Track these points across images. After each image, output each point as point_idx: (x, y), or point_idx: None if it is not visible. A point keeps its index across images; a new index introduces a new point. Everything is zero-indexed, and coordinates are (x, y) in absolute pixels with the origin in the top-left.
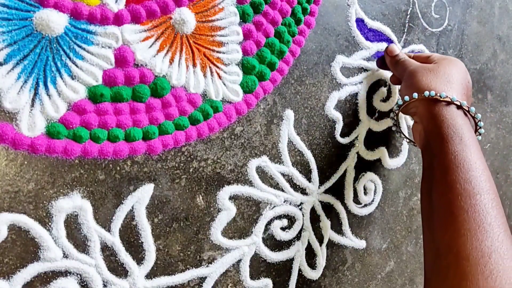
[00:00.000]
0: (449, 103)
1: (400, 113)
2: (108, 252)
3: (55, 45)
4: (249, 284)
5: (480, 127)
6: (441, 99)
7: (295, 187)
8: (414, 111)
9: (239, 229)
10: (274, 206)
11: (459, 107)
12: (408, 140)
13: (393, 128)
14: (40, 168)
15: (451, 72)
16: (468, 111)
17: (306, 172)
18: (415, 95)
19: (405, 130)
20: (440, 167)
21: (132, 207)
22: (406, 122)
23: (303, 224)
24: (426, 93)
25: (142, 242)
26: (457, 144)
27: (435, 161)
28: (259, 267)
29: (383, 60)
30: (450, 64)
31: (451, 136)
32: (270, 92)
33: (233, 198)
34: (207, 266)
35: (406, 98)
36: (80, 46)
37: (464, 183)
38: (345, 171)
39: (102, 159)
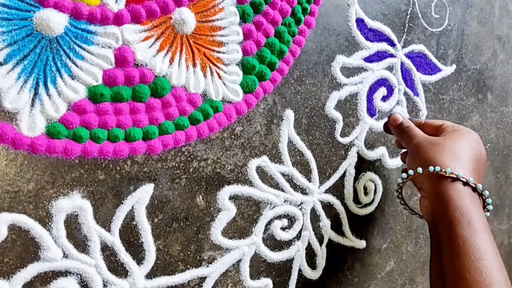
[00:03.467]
0: (455, 179)
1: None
2: (108, 252)
3: (55, 45)
4: (249, 284)
5: (488, 204)
6: (446, 175)
7: (295, 187)
8: (420, 186)
9: (239, 229)
10: (274, 206)
11: (466, 183)
12: (413, 213)
13: (397, 200)
14: (40, 168)
15: (459, 146)
16: (475, 189)
17: (306, 172)
18: (420, 169)
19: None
20: (449, 253)
21: (132, 207)
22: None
23: (303, 224)
24: (431, 168)
25: (142, 242)
26: (465, 229)
27: (444, 245)
28: (259, 267)
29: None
30: (459, 137)
31: (459, 220)
32: (270, 92)
33: (233, 198)
34: (207, 266)
35: (410, 172)
36: (80, 46)
37: (474, 273)
38: (345, 171)
39: (102, 159)
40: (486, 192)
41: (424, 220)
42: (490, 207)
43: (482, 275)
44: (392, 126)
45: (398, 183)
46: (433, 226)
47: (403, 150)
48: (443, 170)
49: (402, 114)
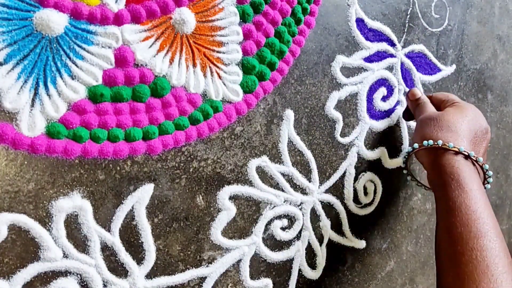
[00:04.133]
0: (447, 149)
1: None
2: (108, 252)
3: (55, 45)
4: (249, 284)
5: (489, 176)
6: (438, 146)
7: (295, 187)
8: (421, 161)
9: (239, 229)
10: (274, 206)
11: (458, 152)
12: (420, 184)
13: (408, 177)
14: (40, 168)
15: (454, 119)
16: (468, 156)
17: (306, 172)
18: (416, 145)
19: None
20: (441, 213)
21: (132, 207)
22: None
23: (303, 224)
24: (425, 142)
25: (142, 242)
26: (454, 190)
27: (438, 207)
28: (259, 267)
29: (408, 110)
30: (456, 112)
31: (449, 183)
32: (270, 92)
33: (233, 198)
34: (207, 266)
35: (409, 149)
36: (80, 46)
37: (462, 227)
38: (345, 171)
39: (102, 159)
40: (480, 159)
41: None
42: (491, 180)
43: (468, 228)
44: (410, 100)
45: (402, 160)
46: (434, 196)
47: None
48: (436, 143)
49: (420, 90)
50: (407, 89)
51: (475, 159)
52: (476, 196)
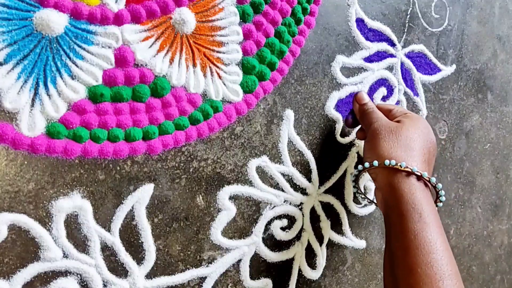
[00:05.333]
0: (409, 173)
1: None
2: (108, 252)
3: (55, 45)
4: (249, 284)
5: (441, 195)
6: (400, 169)
7: (295, 187)
8: (374, 177)
9: (239, 229)
10: (274, 206)
11: (420, 177)
12: (369, 201)
13: (353, 190)
14: (40, 168)
15: (413, 136)
16: (429, 181)
17: (306, 172)
18: (376, 163)
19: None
20: (401, 247)
21: (132, 207)
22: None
23: (303, 224)
24: (387, 161)
25: (142, 242)
26: (416, 222)
27: (395, 239)
28: (259, 267)
29: (352, 116)
30: (413, 126)
31: (410, 213)
32: (270, 92)
33: (233, 198)
34: (207, 266)
35: (366, 164)
36: (80, 46)
37: (425, 267)
38: (345, 171)
39: (102, 159)
40: (440, 185)
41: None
42: (443, 198)
43: (433, 269)
44: (357, 104)
45: (353, 174)
46: (386, 218)
47: (358, 127)
48: (398, 164)
49: (367, 95)
50: (407, 89)
51: (434, 185)
52: (437, 230)
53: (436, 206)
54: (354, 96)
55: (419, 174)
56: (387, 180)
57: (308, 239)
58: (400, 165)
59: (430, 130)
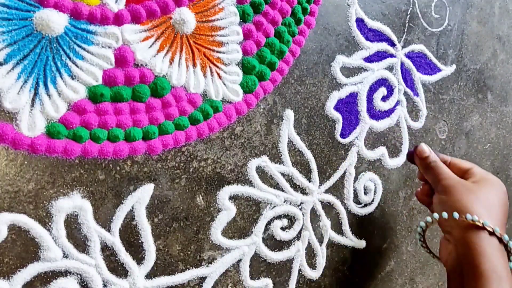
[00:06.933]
0: (491, 233)
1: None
2: (108, 252)
3: (55, 45)
4: (249, 284)
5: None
6: (482, 227)
7: (295, 187)
8: (449, 231)
9: (239, 229)
10: (274, 206)
11: (500, 239)
12: (433, 256)
13: (419, 243)
14: (40, 168)
15: (492, 197)
16: (507, 245)
17: (306, 172)
18: (456, 215)
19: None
20: None
21: (132, 207)
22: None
23: (303, 224)
24: (469, 216)
25: (142, 242)
26: (496, 285)
27: None
28: (259, 267)
29: (413, 155)
30: (492, 187)
31: (491, 275)
32: (270, 92)
33: (233, 198)
34: (207, 266)
35: (444, 214)
36: (80, 46)
37: None
38: (345, 171)
39: (102, 159)
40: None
41: (440, 262)
42: None
43: None
44: (418, 158)
45: (421, 226)
46: (457, 273)
47: (421, 183)
48: (481, 222)
49: (428, 147)
50: (407, 89)
51: (506, 243)
52: None
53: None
54: (414, 149)
55: (500, 235)
56: (465, 236)
57: (308, 239)
58: (483, 223)
59: (505, 193)
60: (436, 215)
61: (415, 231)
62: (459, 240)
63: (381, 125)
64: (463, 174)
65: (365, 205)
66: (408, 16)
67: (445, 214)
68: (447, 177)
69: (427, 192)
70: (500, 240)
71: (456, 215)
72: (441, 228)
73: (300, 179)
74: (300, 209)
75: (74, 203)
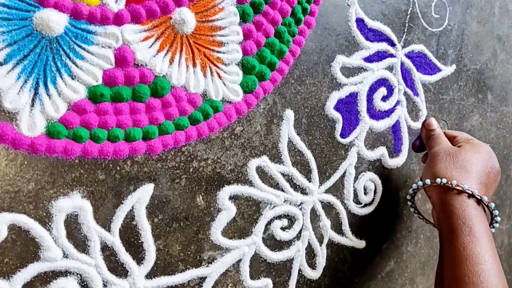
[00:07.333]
0: (461, 191)
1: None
2: (108, 252)
3: (55, 45)
4: (249, 284)
5: (496, 215)
6: (451, 187)
7: (295, 187)
8: (430, 195)
9: (239, 229)
10: (274, 206)
11: (471, 195)
12: (426, 221)
13: (411, 209)
14: (40, 168)
15: (471, 159)
16: (481, 200)
17: (306, 172)
18: (428, 181)
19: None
20: (449, 259)
21: (132, 207)
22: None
23: (303, 224)
24: (438, 180)
25: (142, 242)
26: (465, 236)
27: (445, 251)
28: (259, 267)
29: (419, 141)
30: (472, 150)
31: (460, 227)
32: (270, 92)
33: (233, 198)
34: (207, 266)
35: (420, 183)
36: (80, 46)
37: (473, 276)
38: (345, 171)
39: (102, 159)
40: (492, 205)
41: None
42: (498, 219)
43: (480, 278)
44: (425, 130)
45: (410, 193)
46: (440, 234)
47: (424, 152)
48: (449, 182)
49: (436, 121)
50: (407, 89)
51: (486, 204)
52: (487, 244)
53: (491, 228)
54: (423, 122)
55: (470, 192)
56: (440, 198)
57: (308, 239)
58: (451, 183)
59: (493, 156)
60: (418, 183)
61: (415, 230)
62: (436, 203)
63: (381, 125)
64: (451, 142)
65: (365, 205)
66: (408, 16)
67: (420, 183)
68: (438, 145)
69: None
70: (479, 201)
71: (428, 181)
72: (427, 195)
73: (300, 179)
74: (300, 209)
75: (74, 203)
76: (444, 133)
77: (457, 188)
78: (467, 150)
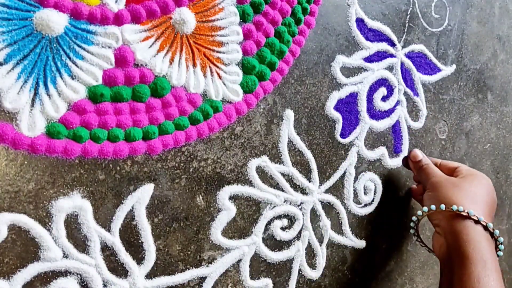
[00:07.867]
0: (476, 222)
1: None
2: (108, 252)
3: (55, 45)
4: (249, 284)
5: (501, 243)
6: (467, 216)
7: (295, 187)
8: (437, 223)
9: (239, 229)
10: (274, 206)
11: (485, 227)
12: (428, 249)
13: (414, 238)
14: (40, 168)
15: (477, 189)
16: (493, 234)
17: (306, 172)
18: (443, 206)
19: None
20: (460, 285)
21: (132, 207)
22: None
23: (303, 224)
24: (454, 207)
25: (142, 242)
26: (481, 268)
27: (457, 281)
28: (259, 267)
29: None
30: (476, 180)
31: (476, 259)
32: (270, 92)
33: (233, 198)
34: (207, 266)
35: (433, 207)
36: (80, 46)
37: None
38: (345, 171)
39: (102, 159)
40: (501, 239)
41: (435, 255)
42: (502, 247)
43: None
44: (412, 162)
45: (413, 220)
46: (447, 263)
47: (414, 185)
48: (466, 211)
49: (421, 151)
50: (407, 89)
51: (492, 230)
52: (499, 278)
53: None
54: (408, 154)
55: (485, 224)
56: (452, 226)
57: (308, 239)
58: (468, 212)
59: (492, 186)
60: (425, 208)
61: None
62: (447, 230)
63: (381, 125)
64: (452, 172)
65: (365, 205)
66: (408, 16)
67: (433, 207)
68: (436, 176)
69: (421, 192)
70: (486, 228)
71: (442, 206)
72: (431, 222)
73: (300, 179)
74: (300, 209)
75: (74, 203)
76: (442, 163)
77: (473, 218)
78: (471, 180)
